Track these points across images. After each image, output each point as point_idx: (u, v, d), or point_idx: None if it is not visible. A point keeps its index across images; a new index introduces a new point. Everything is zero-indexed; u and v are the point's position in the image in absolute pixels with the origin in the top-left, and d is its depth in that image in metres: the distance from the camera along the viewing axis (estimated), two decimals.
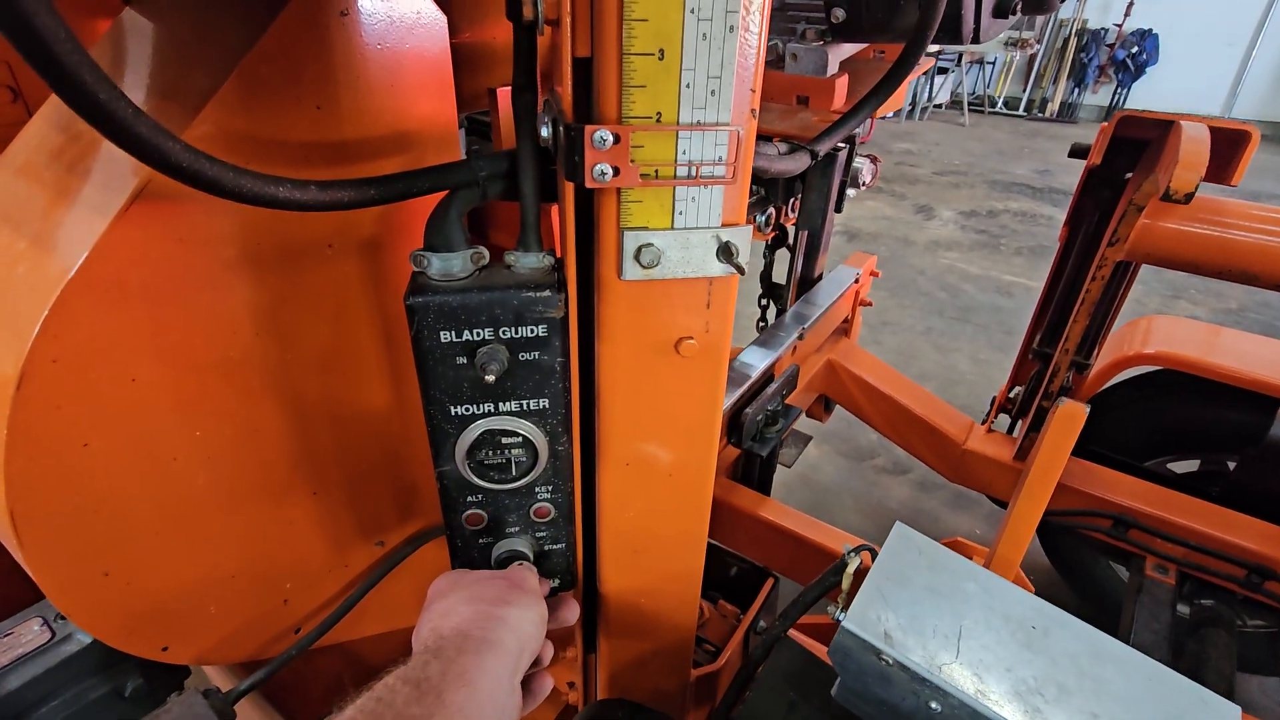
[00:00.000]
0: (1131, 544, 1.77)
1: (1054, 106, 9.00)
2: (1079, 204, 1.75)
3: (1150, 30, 8.28)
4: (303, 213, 0.51)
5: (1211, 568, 1.59)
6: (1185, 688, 0.64)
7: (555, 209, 0.71)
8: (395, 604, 0.86)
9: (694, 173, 0.51)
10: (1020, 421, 2.09)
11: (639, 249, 0.53)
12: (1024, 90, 9.20)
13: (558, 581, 0.78)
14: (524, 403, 0.64)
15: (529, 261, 0.62)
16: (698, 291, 0.57)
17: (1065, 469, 1.41)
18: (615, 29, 0.45)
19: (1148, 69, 8.43)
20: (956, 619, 0.69)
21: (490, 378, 0.59)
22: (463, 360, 0.61)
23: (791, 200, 1.92)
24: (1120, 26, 8.38)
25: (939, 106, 9.27)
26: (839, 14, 0.75)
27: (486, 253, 0.62)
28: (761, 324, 2.00)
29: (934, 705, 0.64)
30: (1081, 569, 2.20)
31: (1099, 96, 8.95)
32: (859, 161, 1.93)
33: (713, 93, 0.48)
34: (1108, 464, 1.88)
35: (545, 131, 0.55)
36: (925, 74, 8.50)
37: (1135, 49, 8.29)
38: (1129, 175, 1.57)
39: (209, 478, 0.61)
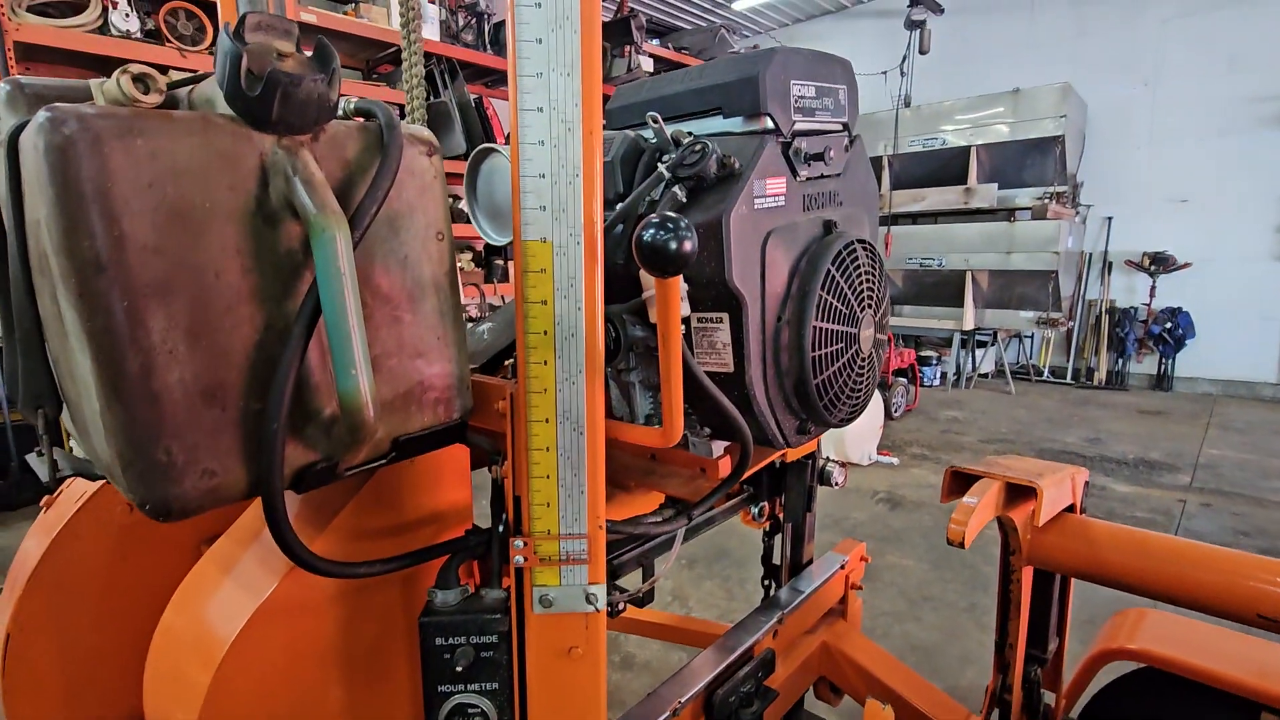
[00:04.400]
0: None
1: (1101, 375, 9.37)
2: None
3: (1180, 308, 8.86)
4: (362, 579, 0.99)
5: None
6: None
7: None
8: None
9: (569, 558, 0.97)
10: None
11: (540, 597, 0.97)
12: (1068, 359, 9.70)
13: None
14: (482, 685, 1.04)
15: (494, 594, 1.07)
16: (578, 620, 1.00)
17: None
18: (526, 491, 0.96)
19: (1187, 341, 8.83)
20: None
21: (460, 668, 1.01)
22: (448, 656, 1.03)
23: (778, 497, 2.36)
24: (1149, 305, 9.02)
25: (985, 375, 9.81)
26: (706, 431, 1.27)
27: (470, 589, 1.08)
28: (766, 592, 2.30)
29: None
30: None
31: (1145, 365, 9.30)
32: (830, 466, 2.38)
33: (575, 519, 0.96)
34: None
35: (500, 529, 1.04)
36: (965, 346, 9.22)
37: (1169, 324, 8.81)
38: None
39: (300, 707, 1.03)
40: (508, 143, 0.92)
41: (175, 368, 0.69)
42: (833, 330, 1.17)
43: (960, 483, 1.60)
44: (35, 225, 0.70)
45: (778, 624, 2.13)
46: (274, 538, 0.78)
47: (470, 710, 1.05)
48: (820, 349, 1.15)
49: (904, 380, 7.92)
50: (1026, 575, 1.77)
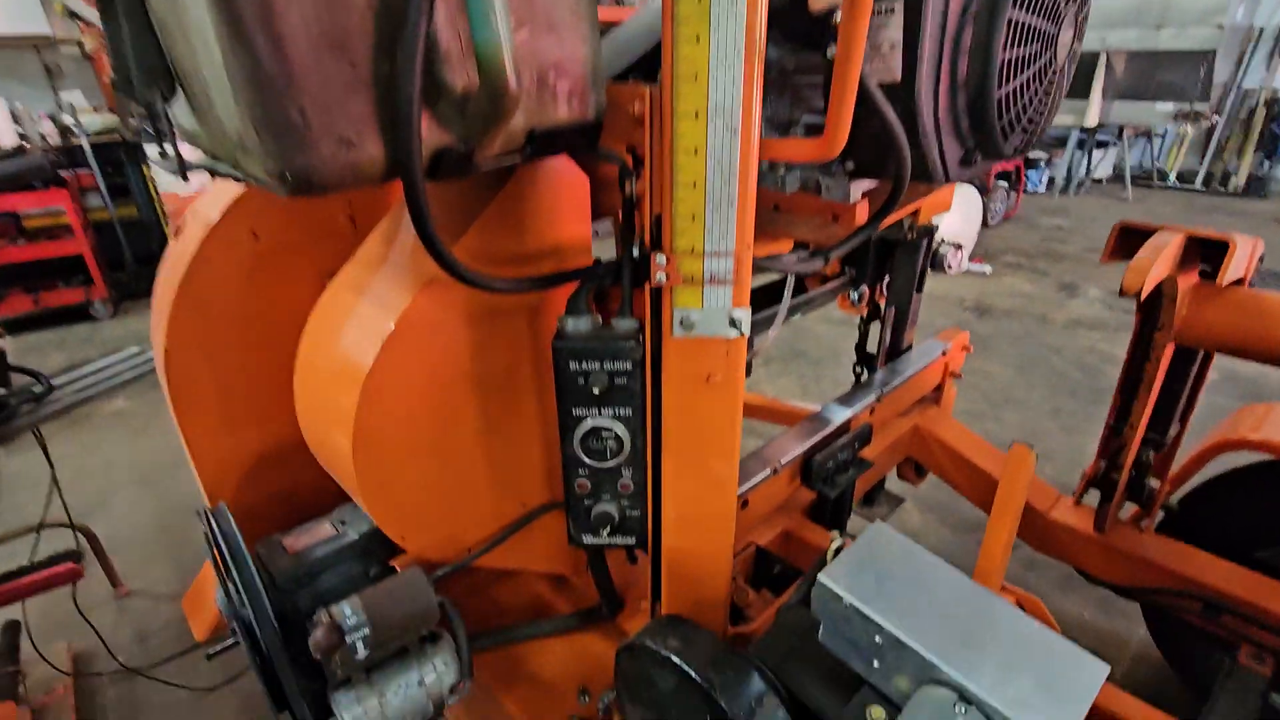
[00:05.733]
0: (1226, 630, 1.78)
1: (1238, 180, 8.29)
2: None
3: None
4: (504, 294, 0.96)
5: None
6: (1067, 649, 0.88)
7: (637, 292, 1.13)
8: (527, 548, 1.28)
9: (713, 279, 0.90)
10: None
11: (681, 319, 0.92)
12: (1201, 163, 8.58)
13: (633, 539, 1.16)
14: (615, 410, 1.04)
15: (624, 325, 1.03)
16: (718, 346, 0.95)
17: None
18: (670, 203, 0.86)
19: None
20: (909, 587, 0.97)
21: (597, 390, 1.00)
22: (581, 381, 1.02)
23: (883, 280, 2.23)
24: None
25: (1099, 181, 8.86)
26: (849, 165, 1.12)
27: (600, 319, 1.04)
28: (858, 376, 2.28)
29: (877, 639, 0.93)
30: (1180, 649, 2.17)
31: None
32: (945, 248, 2.20)
33: (723, 235, 0.87)
34: (1216, 550, 1.89)
35: (635, 251, 0.97)
36: (1082, 147, 8.23)
37: None
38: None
39: (440, 443, 1.08)
40: None
41: (294, 4, 0.59)
42: (1031, 26, 0.95)
43: (1127, 240, 1.42)
44: None
45: (875, 401, 2.11)
46: (415, 227, 0.73)
47: (604, 433, 1.06)
48: (1012, 50, 0.95)
49: (1005, 184, 7.22)
50: (1167, 353, 1.64)
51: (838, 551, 1.04)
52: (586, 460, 1.08)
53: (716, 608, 1.16)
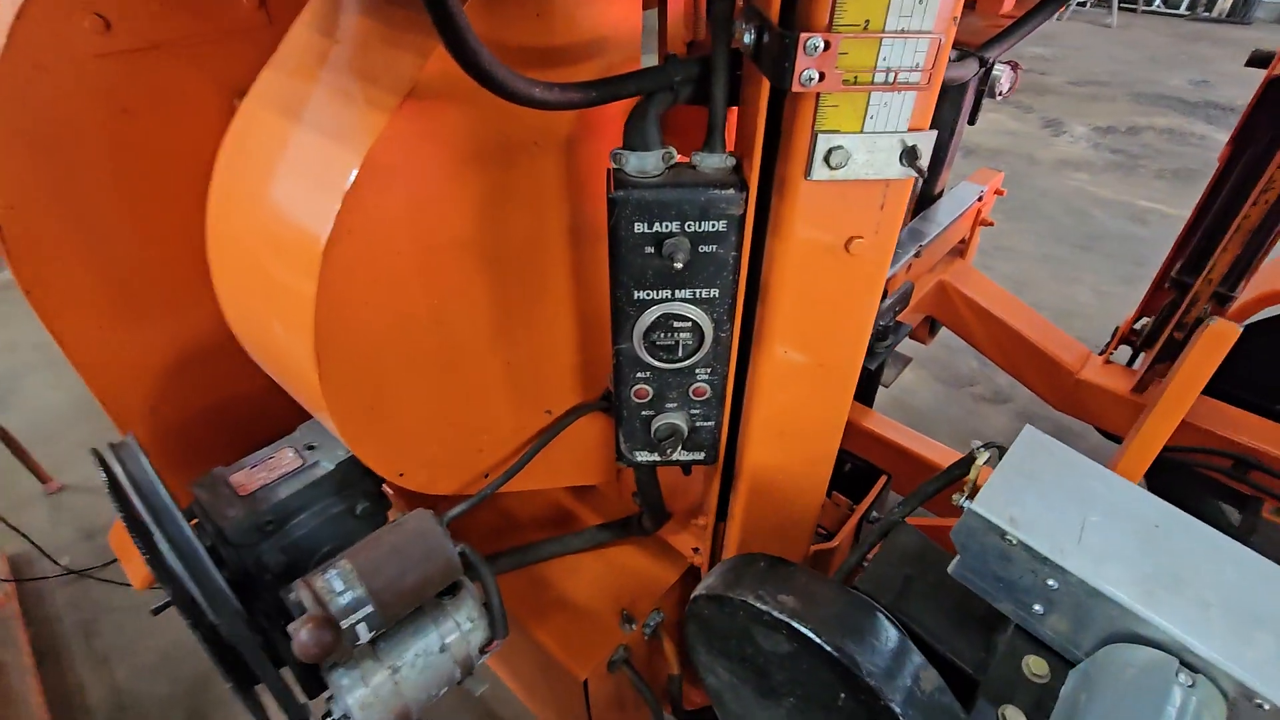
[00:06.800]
0: (1252, 485, 1.72)
1: (1223, 5, 7.83)
2: (1250, 119, 1.60)
3: None
4: (536, 109, 0.59)
5: None
6: None
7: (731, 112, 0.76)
8: (554, 465, 1.00)
9: (892, 79, 0.55)
10: (1144, 354, 2.01)
11: (829, 151, 0.58)
12: None
13: (702, 455, 0.89)
14: (697, 291, 0.73)
15: (713, 162, 0.68)
16: (874, 193, 0.62)
17: (1195, 408, 1.37)
18: None
19: None
20: (1081, 512, 0.75)
21: (678, 265, 0.67)
22: (650, 250, 0.69)
23: None
24: None
25: (1082, 4, 8.25)
26: None
27: (675, 152, 0.69)
28: None
29: (1051, 583, 0.72)
30: (1187, 507, 2.15)
31: None
32: (998, 68, 1.83)
33: (919, 3, 0.52)
34: (1239, 404, 1.81)
35: (747, 38, 0.60)
36: None
37: None
38: None
39: (438, 341, 0.74)
40: None
41: None
42: None
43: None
44: None
45: (914, 257, 1.84)
46: None
47: (678, 324, 0.75)
48: None
49: None
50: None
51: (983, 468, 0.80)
52: (650, 360, 0.78)
53: (803, 530, 0.94)
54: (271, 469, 0.87)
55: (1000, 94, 1.84)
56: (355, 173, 0.57)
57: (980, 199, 2.14)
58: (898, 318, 1.80)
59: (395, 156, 0.60)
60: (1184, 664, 0.65)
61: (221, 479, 0.84)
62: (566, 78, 0.64)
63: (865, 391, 1.90)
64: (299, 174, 0.63)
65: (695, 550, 1.13)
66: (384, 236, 0.63)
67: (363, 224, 0.60)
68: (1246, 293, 1.78)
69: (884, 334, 1.71)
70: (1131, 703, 0.64)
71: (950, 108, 1.82)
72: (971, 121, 1.84)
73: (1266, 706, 0.61)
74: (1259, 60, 1.54)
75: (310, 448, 0.89)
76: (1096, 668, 0.70)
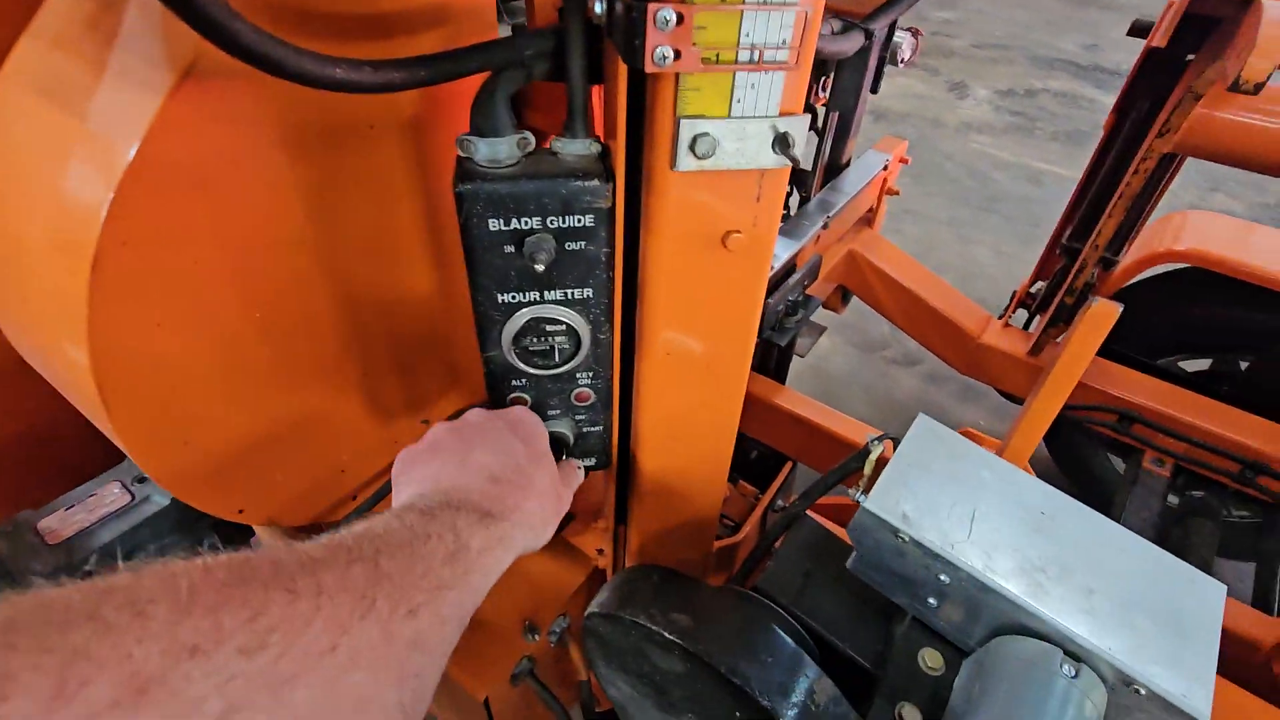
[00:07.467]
0: (1134, 438, 1.83)
1: None
2: (1131, 88, 1.65)
3: None
4: (346, 93, 0.49)
5: (1208, 462, 1.65)
6: (1177, 568, 0.70)
7: (597, 91, 0.69)
8: None
9: (756, 57, 0.49)
10: (1039, 317, 2.09)
11: (694, 139, 0.52)
12: None
13: (593, 461, 0.83)
14: (568, 292, 0.66)
15: (575, 149, 0.61)
16: (749, 184, 0.56)
17: (1088, 369, 1.41)
18: None
19: None
20: (971, 504, 0.73)
21: (540, 267, 0.60)
22: (510, 249, 0.61)
23: (822, 79, 1.82)
24: None
25: None
26: None
27: (533, 138, 0.61)
28: (785, 212, 1.95)
29: (943, 578, 0.70)
30: (1080, 460, 2.28)
31: None
32: (899, 35, 1.81)
33: None
34: (1120, 360, 1.91)
35: (599, 8, 0.52)
36: None
37: None
38: (1190, 58, 1.47)
39: (270, 355, 0.64)
40: None
41: None
42: None
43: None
44: None
45: (822, 229, 1.83)
46: None
47: (550, 327, 0.68)
48: None
49: None
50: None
51: (878, 460, 0.77)
52: (523, 367, 0.70)
53: (705, 529, 0.90)
54: (92, 509, 0.75)
55: (902, 61, 1.82)
56: (123, 173, 0.47)
57: (885, 167, 2.15)
58: (807, 290, 1.79)
59: (178, 149, 0.49)
60: (1068, 654, 0.65)
61: (27, 525, 0.72)
62: (403, 51, 0.54)
63: (779, 368, 1.89)
64: (61, 173, 0.51)
65: (600, 552, 1.08)
66: (175, 243, 0.52)
67: (141, 232, 0.49)
68: (1129, 256, 1.87)
69: (794, 309, 1.69)
70: (1019, 696, 0.64)
71: (852, 75, 1.79)
72: (874, 90, 1.82)
73: (1143, 691, 0.61)
74: (1139, 30, 1.57)
75: (141, 480, 0.77)
76: (989, 658, 0.69)
